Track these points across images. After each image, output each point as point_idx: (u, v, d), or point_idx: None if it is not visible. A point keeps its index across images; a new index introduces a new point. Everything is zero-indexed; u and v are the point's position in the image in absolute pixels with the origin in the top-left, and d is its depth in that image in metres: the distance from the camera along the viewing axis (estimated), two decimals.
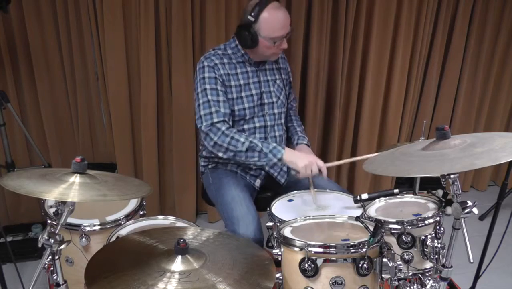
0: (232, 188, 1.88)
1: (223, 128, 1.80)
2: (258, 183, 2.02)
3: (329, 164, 1.82)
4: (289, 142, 2.11)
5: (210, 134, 1.80)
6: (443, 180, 1.24)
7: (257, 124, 1.95)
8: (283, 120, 2.05)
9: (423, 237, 1.46)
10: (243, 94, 1.90)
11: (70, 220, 1.52)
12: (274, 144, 1.80)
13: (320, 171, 1.75)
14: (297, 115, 2.24)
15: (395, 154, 1.38)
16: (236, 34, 1.87)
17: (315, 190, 1.82)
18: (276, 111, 1.99)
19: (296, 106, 2.27)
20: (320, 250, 1.26)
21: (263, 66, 1.98)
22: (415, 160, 1.26)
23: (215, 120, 1.80)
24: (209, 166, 2.06)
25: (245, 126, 1.92)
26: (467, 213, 1.20)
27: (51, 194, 1.11)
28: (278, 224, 1.54)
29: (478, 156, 1.15)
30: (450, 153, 1.21)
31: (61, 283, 1.18)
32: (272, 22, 1.78)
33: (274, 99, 1.99)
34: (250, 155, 1.79)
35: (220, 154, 1.83)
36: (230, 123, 1.85)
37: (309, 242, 1.26)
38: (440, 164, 1.18)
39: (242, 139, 1.79)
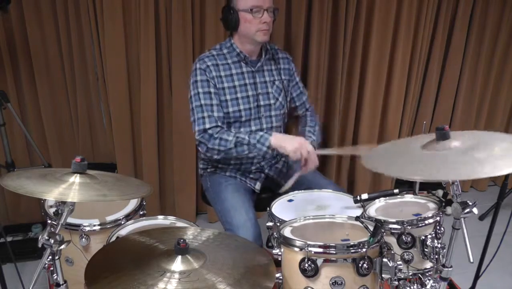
0: (231, 195, 1.87)
1: (214, 132, 1.80)
2: (258, 186, 2.01)
3: (319, 151, 1.80)
4: None
5: (203, 141, 1.81)
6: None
7: (253, 128, 1.92)
8: (281, 123, 2.02)
9: (423, 237, 1.45)
10: (238, 95, 1.88)
11: (70, 220, 1.51)
12: (261, 133, 1.78)
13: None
14: (314, 115, 2.13)
15: (395, 154, 1.37)
16: (221, 19, 1.86)
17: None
18: (273, 113, 1.97)
19: (310, 107, 2.15)
20: (320, 250, 1.26)
21: (261, 66, 1.95)
22: (416, 162, 1.24)
23: (207, 126, 1.80)
24: (208, 170, 2.05)
25: (242, 130, 1.91)
26: (467, 213, 1.20)
27: (51, 194, 1.11)
28: (278, 224, 1.54)
29: (480, 162, 1.13)
30: (453, 160, 1.18)
31: (61, 283, 1.18)
32: None
33: (272, 101, 1.96)
34: (240, 150, 1.78)
35: (214, 156, 1.84)
36: (224, 126, 1.84)
37: (309, 242, 1.26)
38: (444, 171, 1.16)
39: (230, 138, 1.78)
